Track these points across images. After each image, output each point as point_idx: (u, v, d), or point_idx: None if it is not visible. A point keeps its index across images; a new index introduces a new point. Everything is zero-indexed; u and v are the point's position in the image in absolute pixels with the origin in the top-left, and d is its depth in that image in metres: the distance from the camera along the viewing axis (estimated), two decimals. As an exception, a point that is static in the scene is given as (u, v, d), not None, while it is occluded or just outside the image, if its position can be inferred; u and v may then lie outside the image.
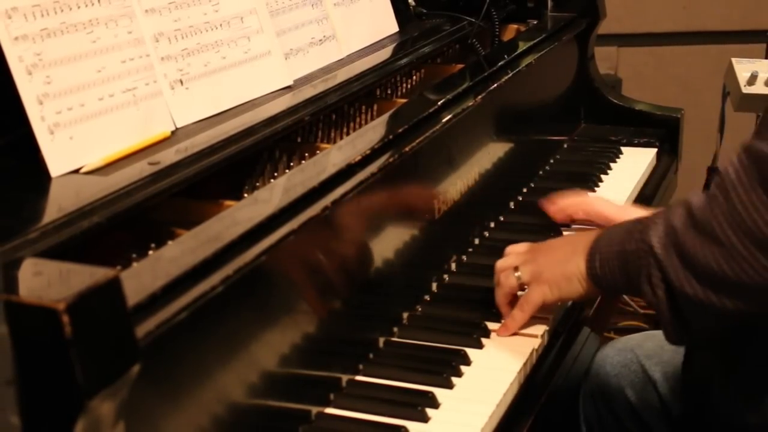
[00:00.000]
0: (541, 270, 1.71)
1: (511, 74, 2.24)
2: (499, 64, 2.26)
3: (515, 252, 1.79)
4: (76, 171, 1.45)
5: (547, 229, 2.06)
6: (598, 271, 1.61)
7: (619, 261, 1.57)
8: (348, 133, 1.95)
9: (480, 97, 2.06)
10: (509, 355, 1.67)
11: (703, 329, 1.51)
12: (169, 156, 1.51)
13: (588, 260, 1.63)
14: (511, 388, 1.60)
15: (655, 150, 2.68)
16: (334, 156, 1.68)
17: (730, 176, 1.38)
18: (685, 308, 1.46)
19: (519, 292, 1.75)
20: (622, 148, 2.67)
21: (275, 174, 1.73)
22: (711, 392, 1.61)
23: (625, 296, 3.53)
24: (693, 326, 1.49)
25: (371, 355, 1.67)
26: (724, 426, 1.61)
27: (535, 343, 1.71)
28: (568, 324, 1.82)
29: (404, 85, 2.27)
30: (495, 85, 2.15)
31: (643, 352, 1.89)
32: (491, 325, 1.75)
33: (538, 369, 1.71)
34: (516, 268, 1.73)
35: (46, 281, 1.07)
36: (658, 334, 1.60)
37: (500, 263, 1.79)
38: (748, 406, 1.54)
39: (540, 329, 1.74)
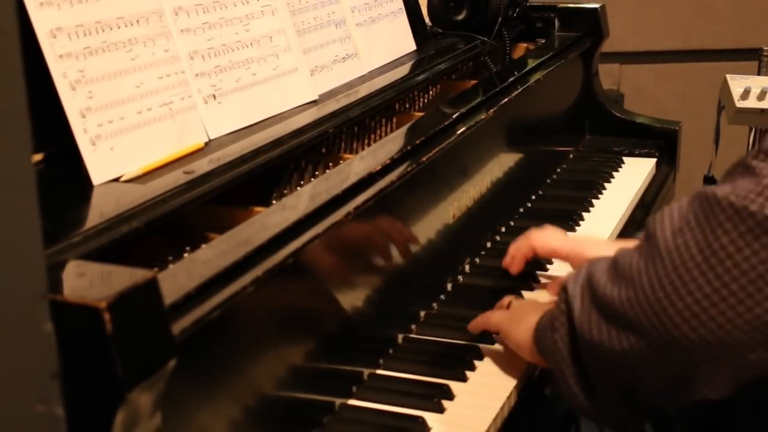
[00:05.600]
0: (509, 336, 1.61)
1: (521, 89, 2.23)
2: (510, 80, 2.26)
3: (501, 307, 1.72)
4: (116, 179, 1.45)
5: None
6: (537, 338, 1.49)
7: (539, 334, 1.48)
8: (369, 145, 1.95)
9: (492, 110, 2.06)
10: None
11: (605, 390, 1.36)
12: (202, 165, 1.51)
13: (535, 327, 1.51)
14: (521, 381, 1.59)
15: (654, 160, 2.68)
16: (356, 165, 1.68)
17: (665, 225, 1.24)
18: (586, 356, 1.35)
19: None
20: (624, 158, 2.66)
21: (301, 182, 1.72)
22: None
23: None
24: (597, 387, 1.36)
25: (391, 351, 1.66)
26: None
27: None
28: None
29: (421, 99, 2.27)
30: (506, 99, 2.14)
31: None
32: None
33: (545, 367, 1.69)
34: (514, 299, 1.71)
35: (88, 282, 1.07)
36: None
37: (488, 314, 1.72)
38: None
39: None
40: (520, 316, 1.59)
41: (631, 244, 1.33)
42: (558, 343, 1.39)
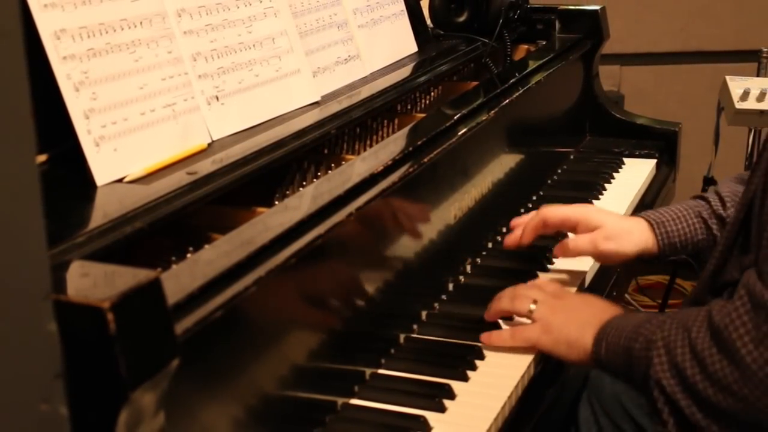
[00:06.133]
0: (553, 322, 1.64)
1: (521, 91, 2.23)
2: (511, 81, 2.26)
3: (543, 289, 1.73)
4: (120, 180, 1.45)
5: (555, 234, 2.04)
6: (602, 356, 1.54)
7: (624, 356, 1.51)
8: (371, 146, 1.95)
9: (493, 112, 2.06)
10: (519, 352, 1.66)
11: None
12: (205, 166, 1.51)
13: (595, 342, 1.56)
14: (521, 382, 1.59)
15: (654, 161, 2.68)
16: (358, 166, 1.68)
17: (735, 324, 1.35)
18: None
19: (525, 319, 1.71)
20: (625, 159, 2.67)
21: (304, 183, 1.72)
22: None
23: (626, 295, 3.52)
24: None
25: (392, 350, 1.66)
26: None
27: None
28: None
29: (423, 100, 2.27)
30: (507, 100, 2.14)
31: None
32: (503, 324, 1.74)
33: (545, 367, 1.69)
34: (535, 301, 1.68)
35: (92, 282, 1.07)
36: None
37: (523, 288, 1.75)
38: None
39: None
40: (576, 318, 1.62)
41: None
42: (663, 416, 1.44)
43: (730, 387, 1.33)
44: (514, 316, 1.72)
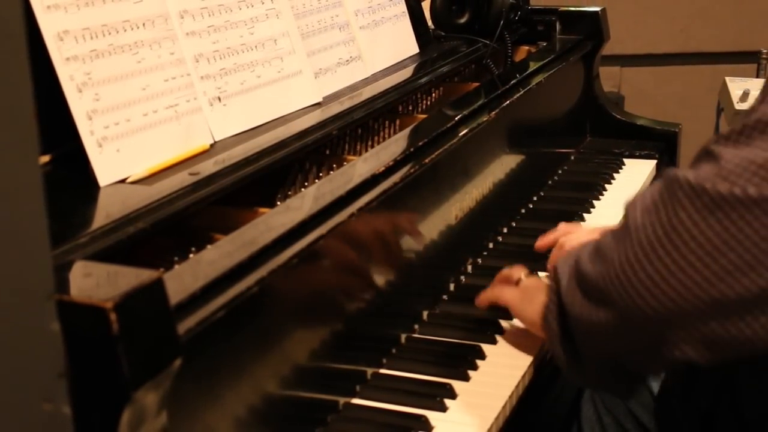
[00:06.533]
0: (529, 286, 1.69)
1: (522, 92, 2.23)
2: (512, 82, 2.26)
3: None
4: (123, 181, 1.45)
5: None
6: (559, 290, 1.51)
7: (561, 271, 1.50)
8: (373, 146, 1.95)
9: (494, 113, 2.06)
10: (520, 350, 1.66)
11: (591, 359, 1.43)
12: (208, 167, 1.51)
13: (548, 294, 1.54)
14: (522, 381, 1.59)
15: (654, 161, 2.67)
16: (359, 167, 1.68)
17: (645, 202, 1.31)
18: (572, 329, 1.42)
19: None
20: (625, 160, 2.66)
21: (306, 183, 1.72)
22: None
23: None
24: (583, 354, 1.43)
25: (394, 350, 1.66)
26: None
27: (543, 341, 1.69)
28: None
29: (424, 102, 2.27)
30: (508, 102, 2.14)
31: None
32: (504, 323, 1.74)
33: (546, 365, 1.69)
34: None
35: (95, 282, 1.07)
36: None
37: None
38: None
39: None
40: (531, 294, 1.64)
41: None
42: (548, 317, 1.47)
43: (611, 261, 1.30)
44: (511, 310, 1.72)
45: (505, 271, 1.77)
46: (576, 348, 1.44)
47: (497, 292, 1.74)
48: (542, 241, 1.94)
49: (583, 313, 1.37)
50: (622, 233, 1.31)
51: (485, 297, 1.75)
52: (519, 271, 1.75)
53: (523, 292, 1.69)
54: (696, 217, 1.22)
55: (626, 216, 1.33)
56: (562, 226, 1.94)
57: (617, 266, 1.29)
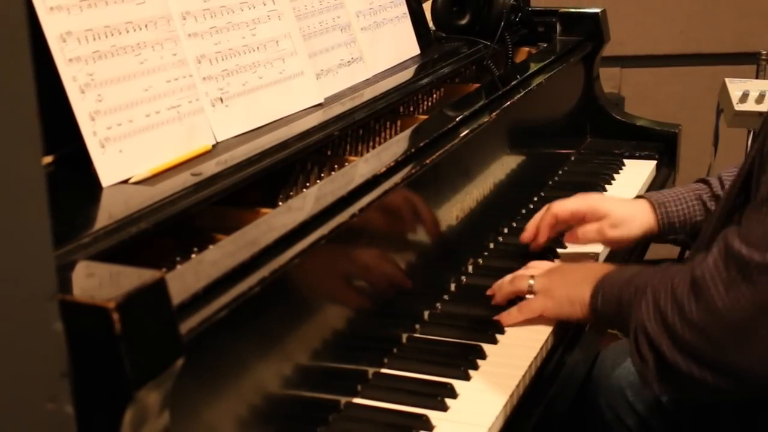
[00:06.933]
0: (552, 286, 1.73)
1: (523, 93, 2.23)
2: (512, 83, 2.26)
3: (538, 266, 1.82)
4: (125, 181, 1.45)
5: (556, 234, 2.04)
6: (599, 306, 1.62)
7: (616, 305, 1.57)
8: (374, 147, 1.95)
9: (495, 113, 2.06)
10: (521, 351, 1.66)
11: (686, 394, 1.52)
12: (210, 167, 1.51)
13: (592, 294, 1.64)
14: (523, 380, 1.59)
15: (654, 162, 2.67)
16: (361, 168, 1.68)
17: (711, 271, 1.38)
18: (672, 378, 1.45)
19: (528, 296, 1.76)
20: (625, 161, 2.66)
21: (307, 184, 1.72)
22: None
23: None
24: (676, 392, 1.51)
25: (395, 350, 1.66)
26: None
27: (543, 340, 1.70)
28: (572, 325, 1.81)
29: (425, 102, 2.27)
30: (508, 102, 2.14)
31: None
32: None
33: (547, 365, 1.70)
34: (532, 277, 1.75)
35: (97, 282, 1.07)
36: None
37: (520, 270, 1.82)
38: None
39: (547, 329, 1.73)
40: (572, 278, 1.72)
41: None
42: (645, 361, 1.47)
43: (704, 330, 1.37)
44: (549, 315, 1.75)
45: (507, 289, 1.79)
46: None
47: (526, 313, 1.74)
48: (527, 233, 1.99)
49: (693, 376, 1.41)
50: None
51: (505, 322, 1.75)
52: (522, 281, 1.77)
53: (546, 294, 1.73)
54: None
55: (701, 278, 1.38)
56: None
57: (726, 346, 1.36)
